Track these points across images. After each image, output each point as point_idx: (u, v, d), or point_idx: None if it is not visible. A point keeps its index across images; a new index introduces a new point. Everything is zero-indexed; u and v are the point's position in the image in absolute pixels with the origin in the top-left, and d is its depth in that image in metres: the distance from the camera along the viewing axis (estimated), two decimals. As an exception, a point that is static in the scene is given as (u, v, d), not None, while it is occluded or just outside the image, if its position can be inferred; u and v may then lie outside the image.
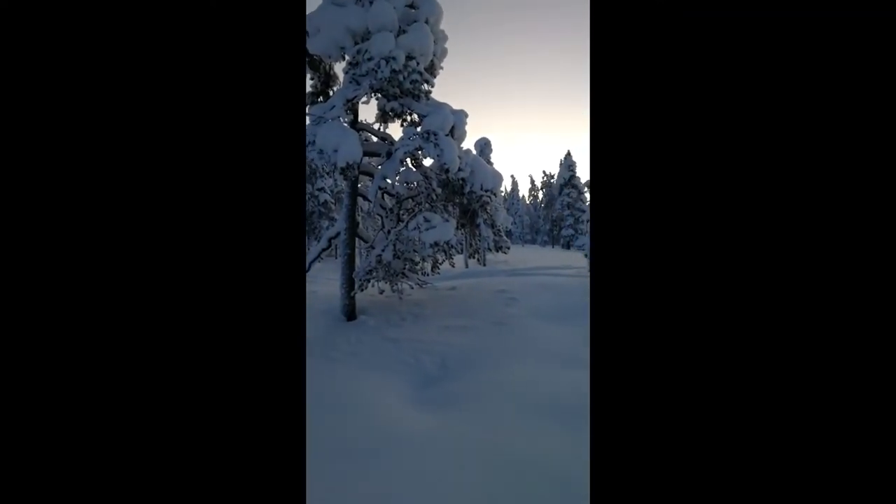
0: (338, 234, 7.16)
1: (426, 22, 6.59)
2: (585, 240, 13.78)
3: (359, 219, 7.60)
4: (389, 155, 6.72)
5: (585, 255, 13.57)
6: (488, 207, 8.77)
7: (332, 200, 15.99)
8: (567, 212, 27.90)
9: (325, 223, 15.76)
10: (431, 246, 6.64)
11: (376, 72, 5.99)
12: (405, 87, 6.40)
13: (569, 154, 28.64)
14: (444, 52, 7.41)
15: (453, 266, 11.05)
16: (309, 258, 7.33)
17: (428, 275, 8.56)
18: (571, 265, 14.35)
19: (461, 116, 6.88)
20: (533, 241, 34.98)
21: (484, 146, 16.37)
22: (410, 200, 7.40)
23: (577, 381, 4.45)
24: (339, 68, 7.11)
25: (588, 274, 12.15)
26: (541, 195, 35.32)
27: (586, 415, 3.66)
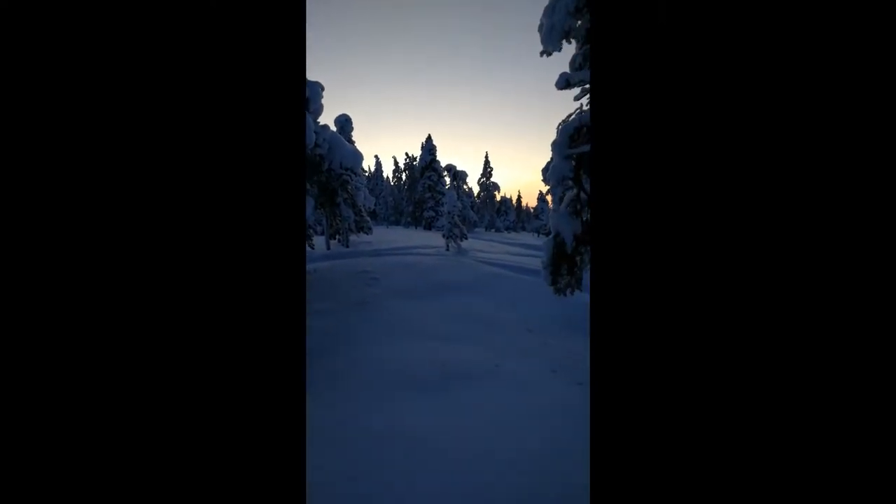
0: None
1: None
2: (444, 221, 14.60)
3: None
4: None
5: (444, 236, 14.42)
6: (348, 186, 8.57)
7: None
8: (428, 194, 28.96)
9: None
10: (286, 226, 6.22)
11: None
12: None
13: (429, 137, 29.56)
14: (297, 16, 6.84)
15: (312, 248, 10.53)
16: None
17: (283, 257, 8.01)
18: (431, 245, 15.09)
19: (316, 89, 6.51)
20: (397, 223, 35.43)
21: (344, 123, 15.76)
22: (260, 176, 6.76)
23: (435, 353, 4.80)
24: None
25: (445, 252, 12.96)
26: (404, 177, 35.85)
27: (444, 384, 4.01)
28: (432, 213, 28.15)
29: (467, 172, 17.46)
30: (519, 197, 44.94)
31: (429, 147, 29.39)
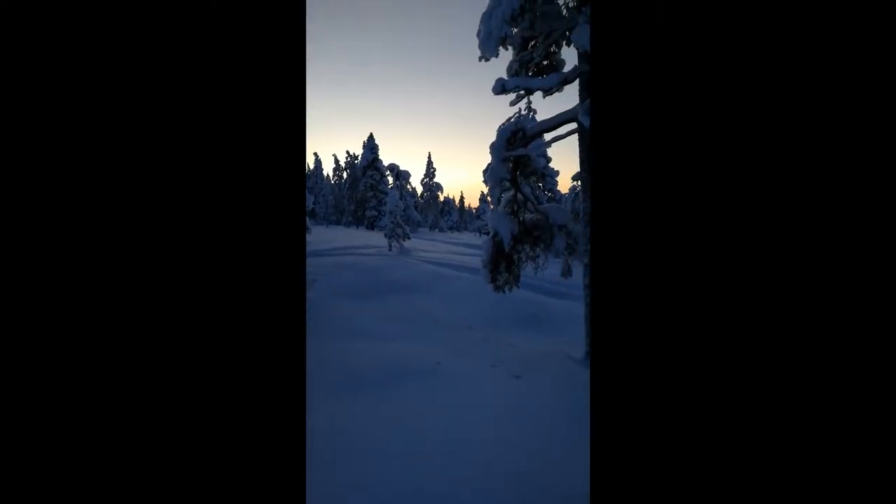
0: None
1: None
2: (387, 221, 14.47)
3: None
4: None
5: (386, 236, 14.29)
6: (285, 184, 8.22)
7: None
8: (370, 193, 28.50)
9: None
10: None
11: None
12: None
13: (371, 136, 29.11)
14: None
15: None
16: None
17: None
18: (373, 245, 14.89)
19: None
20: (338, 222, 34.43)
21: (281, 117, 15.05)
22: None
23: (375, 353, 4.76)
24: None
25: (388, 252, 12.86)
26: (345, 175, 34.93)
27: (384, 382, 3.99)
28: (374, 213, 27.74)
29: (410, 172, 17.41)
30: (462, 197, 45.73)
31: (371, 146, 28.93)
